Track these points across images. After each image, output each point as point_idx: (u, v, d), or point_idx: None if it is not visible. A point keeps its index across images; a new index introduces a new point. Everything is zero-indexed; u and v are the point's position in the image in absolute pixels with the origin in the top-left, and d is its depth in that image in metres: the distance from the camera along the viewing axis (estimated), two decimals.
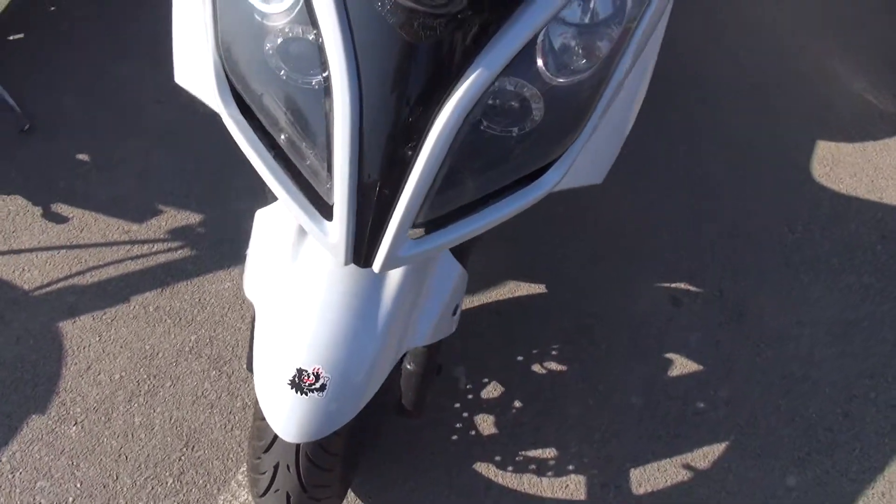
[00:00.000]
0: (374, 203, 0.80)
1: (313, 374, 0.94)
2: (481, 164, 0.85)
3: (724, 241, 1.83)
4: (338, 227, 0.81)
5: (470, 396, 1.57)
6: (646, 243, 1.82)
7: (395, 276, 0.99)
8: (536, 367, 1.62)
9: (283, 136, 0.83)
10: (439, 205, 0.85)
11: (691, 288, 1.75)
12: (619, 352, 1.64)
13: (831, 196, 1.93)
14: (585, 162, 1.09)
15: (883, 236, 1.84)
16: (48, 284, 1.72)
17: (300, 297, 0.98)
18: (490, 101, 0.80)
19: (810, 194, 1.93)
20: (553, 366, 1.62)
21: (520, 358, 1.63)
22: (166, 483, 1.43)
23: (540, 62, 0.80)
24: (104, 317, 1.67)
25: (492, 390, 1.58)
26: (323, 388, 0.94)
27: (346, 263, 0.83)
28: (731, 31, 2.36)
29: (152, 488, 1.43)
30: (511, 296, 1.73)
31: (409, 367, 1.21)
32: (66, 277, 1.74)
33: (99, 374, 1.58)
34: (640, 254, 1.80)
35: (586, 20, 0.83)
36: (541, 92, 0.81)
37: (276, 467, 1.04)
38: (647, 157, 2.00)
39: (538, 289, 1.75)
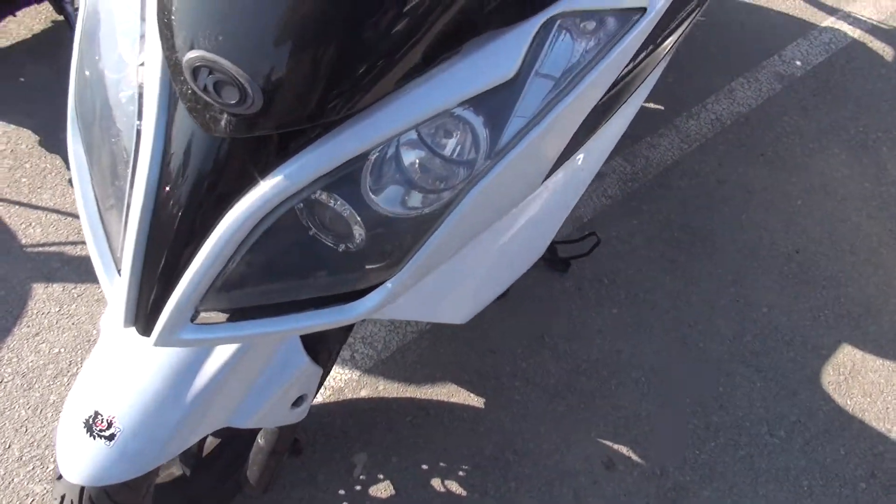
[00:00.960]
0: (159, 275, 0.80)
1: (107, 420, 0.95)
2: (301, 268, 0.84)
3: (691, 419, 1.68)
4: (122, 286, 0.82)
5: (358, 488, 1.52)
6: (606, 391, 1.70)
7: (228, 350, 0.99)
8: (436, 483, 1.55)
9: (106, 187, 0.85)
10: (239, 298, 0.84)
11: (633, 455, 1.61)
12: (526, 498, 1.53)
13: (832, 409, 1.72)
14: (440, 299, 1.04)
15: (873, 474, 1.62)
16: (42, 245, 1.85)
17: (128, 344, 0.99)
18: (308, 211, 0.79)
19: (809, 399, 1.73)
20: (454, 487, 1.54)
21: (425, 466, 1.57)
22: (48, 468, 1.49)
23: (366, 185, 0.78)
24: (73, 290, 1.77)
25: (382, 490, 1.53)
26: (112, 437, 0.94)
27: (126, 326, 0.84)
28: (797, 194, 2.18)
29: (34, 468, 1.48)
30: (446, 399, 1.67)
31: (259, 441, 1.20)
32: (60, 244, 1.86)
33: (42, 342, 1.67)
34: (595, 398, 1.69)
35: (437, 150, 0.80)
36: (360, 215, 0.78)
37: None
38: (654, 298, 1.87)
39: (476, 402, 1.67)
